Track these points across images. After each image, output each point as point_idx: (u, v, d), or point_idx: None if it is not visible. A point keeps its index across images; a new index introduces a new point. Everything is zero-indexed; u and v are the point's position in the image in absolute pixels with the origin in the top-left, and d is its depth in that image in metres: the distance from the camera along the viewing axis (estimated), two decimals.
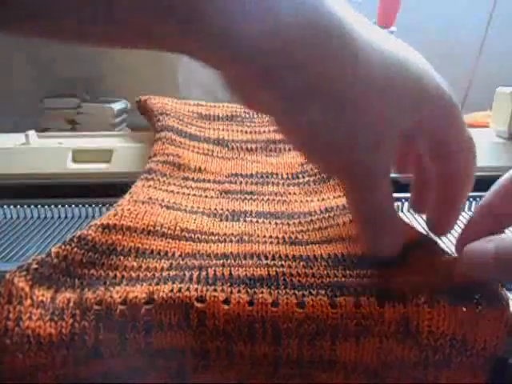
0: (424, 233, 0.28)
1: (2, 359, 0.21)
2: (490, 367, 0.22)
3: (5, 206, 0.41)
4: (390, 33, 0.73)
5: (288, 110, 0.21)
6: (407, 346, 0.22)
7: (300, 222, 0.31)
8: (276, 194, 0.35)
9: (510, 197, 0.24)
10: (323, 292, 0.22)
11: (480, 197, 0.39)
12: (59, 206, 0.41)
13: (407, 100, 0.22)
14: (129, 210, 0.29)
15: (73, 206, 0.41)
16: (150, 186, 0.33)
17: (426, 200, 0.28)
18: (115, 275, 0.25)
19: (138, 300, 0.22)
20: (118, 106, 1.35)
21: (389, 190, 0.24)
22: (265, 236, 0.29)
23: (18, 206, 0.41)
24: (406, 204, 0.40)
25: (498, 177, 0.39)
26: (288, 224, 0.31)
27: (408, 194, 0.31)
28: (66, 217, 0.41)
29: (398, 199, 0.40)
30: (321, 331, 0.21)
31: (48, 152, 0.46)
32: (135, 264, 0.26)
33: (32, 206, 0.41)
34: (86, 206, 0.41)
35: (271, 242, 0.28)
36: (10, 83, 1.40)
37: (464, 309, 0.21)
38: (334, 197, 0.34)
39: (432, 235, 0.27)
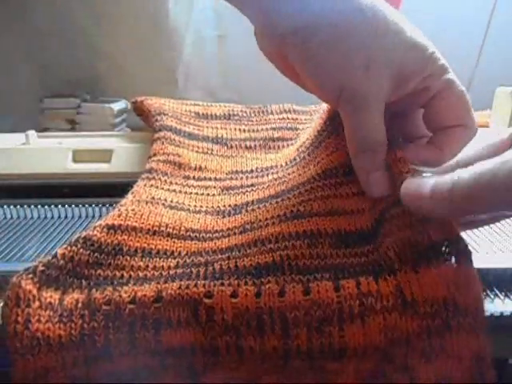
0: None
1: (14, 361, 0.21)
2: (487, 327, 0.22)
3: (5, 206, 0.41)
4: None
5: (302, 38, 0.27)
6: (408, 317, 0.22)
7: (300, 193, 0.31)
8: (276, 179, 0.35)
9: None
10: (327, 275, 0.23)
11: None
12: (59, 206, 0.41)
13: (400, 48, 0.27)
14: (133, 210, 0.29)
15: (73, 205, 0.41)
16: (151, 186, 0.33)
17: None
18: (122, 275, 0.25)
19: (147, 298, 0.22)
20: (117, 106, 1.35)
21: (380, 120, 0.27)
22: (267, 219, 0.29)
23: (18, 206, 0.41)
24: None
25: None
26: (288, 198, 0.31)
27: None
28: (66, 217, 0.41)
29: None
30: (327, 317, 0.22)
31: (48, 152, 0.46)
32: (142, 264, 0.26)
33: (32, 206, 0.41)
34: (86, 205, 0.41)
35: (273, 223, 0.28)
36: (10, 83, 1.39)
37: (447, 268, 0.22)
38: (327, 154, 0.33)
39: None
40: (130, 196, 0.31)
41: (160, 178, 0.35)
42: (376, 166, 0.28)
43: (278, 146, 0.43)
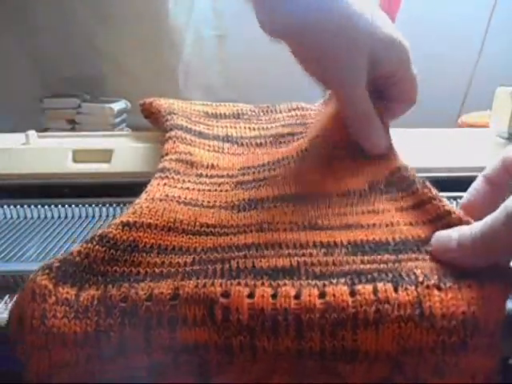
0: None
1: (29, 356, 0.21)
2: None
3: (5, 206, 0.41)
4: None
5: (300, 35, 0.32)
6: (424, 329, 0.22)
7: (318, 206, 0.31)
8: (289, 175, 0.35)
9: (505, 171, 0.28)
10: (343, 280, 0.23)
11: None
12: (59, 206, 0.41)
13: (368, 41, 0.33)
14: (147, 207, 0.29)
15: (73, 206, 0.41)
16: (165, 184, 0.33)
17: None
18: (138, 271, 0.25)
19: (164, 296, 0.22)
20: (117, 106, 1.35)
21: (365, 96, 0.34)
22: (284, 222, 0.29)
23: (18, 206, 0.41)
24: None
25: None
26: (306, 208, 0.31)
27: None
28: (66, 217, 0.41)
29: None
30: (342, 321, 0.22)
31: (48, 152, 0.46)
32: (158, 260, 0.26)
33: (32, 206, 0.41)
34: (86, 206, 0.41)
35: (291, 229, 0.28)
36: (10, 83, 1.39)
37: (470, 288, 0.22)
38: (347, 176, 0.33)
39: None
40: (143, 195, 0.31)
41: (173, 177, 0.35)
42: (372, 129, 0.34)
43: (289, 141, 0.42)
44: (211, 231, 0.29)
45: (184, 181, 0.35)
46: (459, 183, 0.42)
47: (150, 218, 0.28)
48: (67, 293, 0.23)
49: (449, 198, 0.40)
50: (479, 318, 0.22)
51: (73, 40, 1.38)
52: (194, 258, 0.26)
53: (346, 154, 0.36)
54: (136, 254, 0.26)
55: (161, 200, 0.30)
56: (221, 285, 0.22)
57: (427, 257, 0.25)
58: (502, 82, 0.52)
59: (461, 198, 0.40)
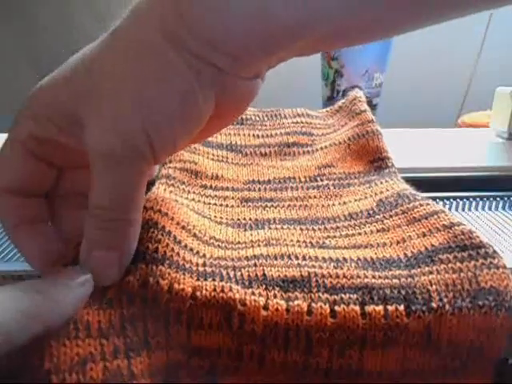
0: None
1: (46, 347, 0.19)
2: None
3: None
4: None
5: None
6: (428, 354, 0.22)
7: (325, 228, 0.31)
8: (296, 198, 0.35)
9: None
10: (354, 297, 0.23)
11: (481, 197, 0.40)
12: None
13: None
14: (163, 200, 0.28)
15: None
16: (171, 192, 0.32)
17: None
18: (157, 249, 0.23)
19: (185, 293, 0.22)
20: None
21: None
22: (292, 240, 0.29)
23: None
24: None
25: (498, 177, 0.39)
26: (313, 230, 0.31)
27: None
28: None
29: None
30: (351, 341, 0.22)
31: None
32: (175, 248, 0.24)
33: None
34: None
35: (299, 246, 0.28)
36: (10, 83, 1.40)
37: (485, 315, 0.22)
38: (356, 200, 0.34)
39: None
40: (152, 195, 0.29)
41: (178, 186, 0.34)
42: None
43: (294, 153, 0.42)
44: (219, 245, 0.28)
45: (189, 191, 0.34)
46: (459, 183, 0.42)
47: (167, 210, 0.27)
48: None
49: (448, 198, 0.40)
50: (485, 346, 0.22)
51: (74, 40, 1.38)
52: (204, 261, 0.25)
53: (357, 182, 0.36)
54: (155, 231, 0.24)
55: (172, 201, 0.30)
56: (238, 291, 0.22)
57: (442, 266, 0.24)
58: (502, 82, 0.52)
59: (461, 198, 0.40)
